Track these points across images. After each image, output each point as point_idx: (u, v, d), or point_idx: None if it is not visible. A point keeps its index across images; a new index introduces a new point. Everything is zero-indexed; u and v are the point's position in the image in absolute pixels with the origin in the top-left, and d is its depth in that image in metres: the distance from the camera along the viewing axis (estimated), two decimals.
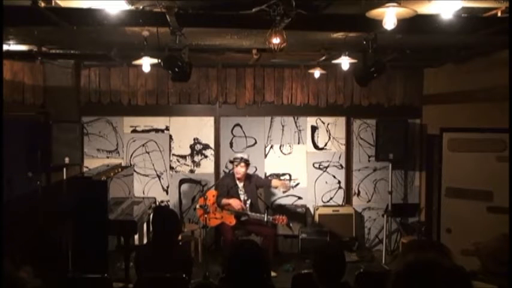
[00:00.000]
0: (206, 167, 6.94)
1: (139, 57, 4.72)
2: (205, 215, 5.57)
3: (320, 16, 3.51)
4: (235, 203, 5.91)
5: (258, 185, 6.30)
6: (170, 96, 6.75)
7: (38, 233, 5.50)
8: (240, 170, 6.03)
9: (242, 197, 6.10)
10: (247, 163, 6.06)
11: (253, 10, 3.22)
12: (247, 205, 6.06)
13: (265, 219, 5.88)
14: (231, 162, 6.20)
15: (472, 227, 5.31)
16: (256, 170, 6.81)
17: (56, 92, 6.34)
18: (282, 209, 6.74)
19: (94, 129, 6.78)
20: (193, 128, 6.91)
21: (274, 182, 6.22)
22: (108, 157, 6.79)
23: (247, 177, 6.19)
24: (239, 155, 6.11)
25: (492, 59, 5.33)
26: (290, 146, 7.03)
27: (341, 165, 7.09)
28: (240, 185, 6.12)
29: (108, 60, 6.03)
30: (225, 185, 6.12)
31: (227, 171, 6.71)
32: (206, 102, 6.82)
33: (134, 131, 6.86)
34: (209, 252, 6.22)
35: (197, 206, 6.14)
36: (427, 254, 1.49)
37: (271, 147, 7.01)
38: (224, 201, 5.96)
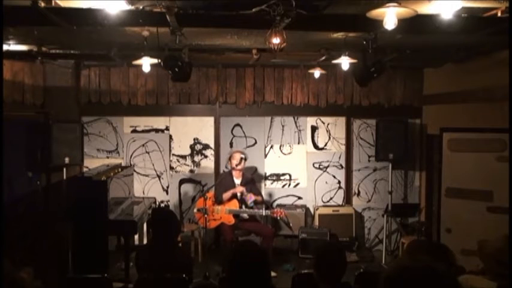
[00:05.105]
0: (206, 167, 6.94)
1: (139, 57, 4.71)
2: (205, 215, 5.57)
3: (320, 16, 3.51)
4: (237, 189, 5.97)
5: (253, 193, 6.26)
6: (170, 96, 6.75)
7: (38, 233, 5.50)
8: (236, 156, 6.05)
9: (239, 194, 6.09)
10: (243, 155, 6.09)
11: (253, 10, 3.22)
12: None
13: (264, 213, 5.94)
14: (229, 158, 6.23)
15: (472, 227, 5.31)
16: (256, 170, 6.80)
17: (56, 92, 6.34)
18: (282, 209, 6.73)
19: (94, 129, 6.78)
20: (193, 128, 6.91)
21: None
22: (108, 157, 6.80)
23: (249, 181, 6.18)
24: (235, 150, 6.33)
25: (492, 59, 5.32)
26: (290, 146, 7.03)
27: (341, 165, 7.09)
28: (238, 182, 6.12)
29: (108, 60, 6.02)
30: (223, 183, 6.11)
31: (227, 170, 6.70)
32: (206, 102, 6.82)
33: (134, 131, 6.86)
34: (209, 252, 6.22)
35: (195, 210, 6.15)
36: (419, 259, 1.49)
37: (271, 147, 7.01)
38: (225, 195, 5.95)
